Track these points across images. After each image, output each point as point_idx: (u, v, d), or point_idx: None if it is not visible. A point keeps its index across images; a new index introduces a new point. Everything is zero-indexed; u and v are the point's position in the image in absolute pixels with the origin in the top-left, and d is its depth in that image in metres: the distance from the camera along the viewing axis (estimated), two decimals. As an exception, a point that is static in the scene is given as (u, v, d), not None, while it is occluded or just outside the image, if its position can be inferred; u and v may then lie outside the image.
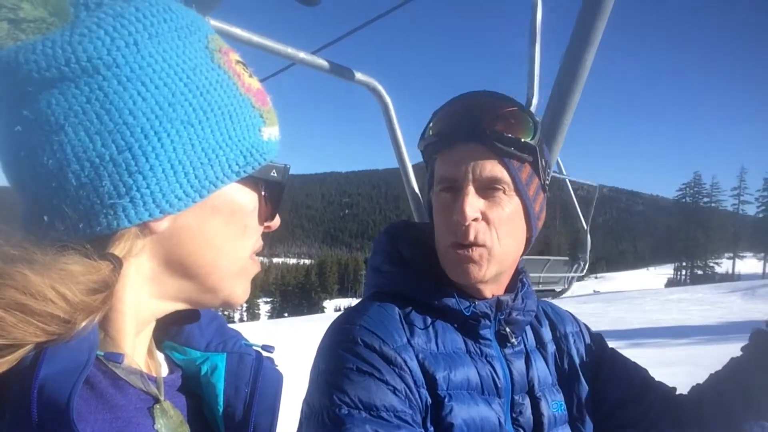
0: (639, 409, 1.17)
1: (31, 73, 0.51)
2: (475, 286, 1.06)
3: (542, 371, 1.12)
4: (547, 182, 1.12)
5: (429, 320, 1.05)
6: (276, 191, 0.66)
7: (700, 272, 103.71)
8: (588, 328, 1.29)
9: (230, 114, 0.58)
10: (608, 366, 1.21)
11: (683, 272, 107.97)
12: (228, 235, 0.62)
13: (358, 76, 2.15)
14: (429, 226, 1.17)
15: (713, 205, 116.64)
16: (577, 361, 1.19)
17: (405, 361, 0.97)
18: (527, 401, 1.07)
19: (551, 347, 1.18)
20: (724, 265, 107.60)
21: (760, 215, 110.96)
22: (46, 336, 0.47)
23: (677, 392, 1.21)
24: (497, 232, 1.02)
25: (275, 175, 0.65)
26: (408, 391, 0.95)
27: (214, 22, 1.53)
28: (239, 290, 0.66)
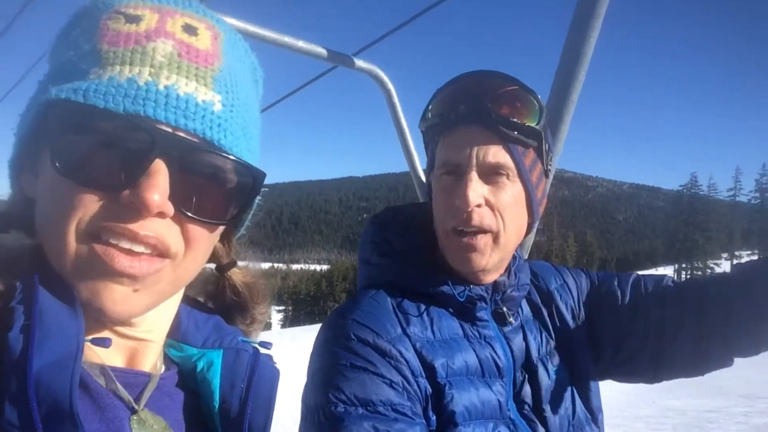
0: (636, 338, 1.10)
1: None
2: (476, 274, 1.00)
3: (538, 340, 1.07)
4: (550, 167, 1.06)
5: (423, 307, 0.99)
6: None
7: (699, 273, 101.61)
8: (570, 272, 1.20)
9: None
10: (595, 307, 1.15)
11: (683, 273, 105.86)
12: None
13: (359, 63, 2.10)
14: (417, 209, 1.11)
15: (712, 196, 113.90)
16: (568, 315, 1.13)
17: (400, 353, 0.92)
18: (526, 374, 1.02)
19: (543, 310, 1.12)
20: (723, 266, 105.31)
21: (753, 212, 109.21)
22: None
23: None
24: (503, 218, 0.96)
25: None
26: (405, 383, 0.90)
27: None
28: None
